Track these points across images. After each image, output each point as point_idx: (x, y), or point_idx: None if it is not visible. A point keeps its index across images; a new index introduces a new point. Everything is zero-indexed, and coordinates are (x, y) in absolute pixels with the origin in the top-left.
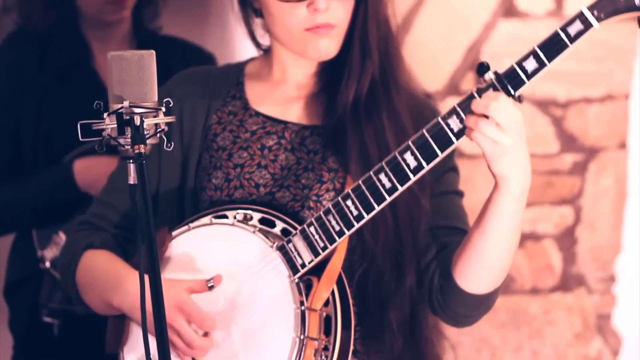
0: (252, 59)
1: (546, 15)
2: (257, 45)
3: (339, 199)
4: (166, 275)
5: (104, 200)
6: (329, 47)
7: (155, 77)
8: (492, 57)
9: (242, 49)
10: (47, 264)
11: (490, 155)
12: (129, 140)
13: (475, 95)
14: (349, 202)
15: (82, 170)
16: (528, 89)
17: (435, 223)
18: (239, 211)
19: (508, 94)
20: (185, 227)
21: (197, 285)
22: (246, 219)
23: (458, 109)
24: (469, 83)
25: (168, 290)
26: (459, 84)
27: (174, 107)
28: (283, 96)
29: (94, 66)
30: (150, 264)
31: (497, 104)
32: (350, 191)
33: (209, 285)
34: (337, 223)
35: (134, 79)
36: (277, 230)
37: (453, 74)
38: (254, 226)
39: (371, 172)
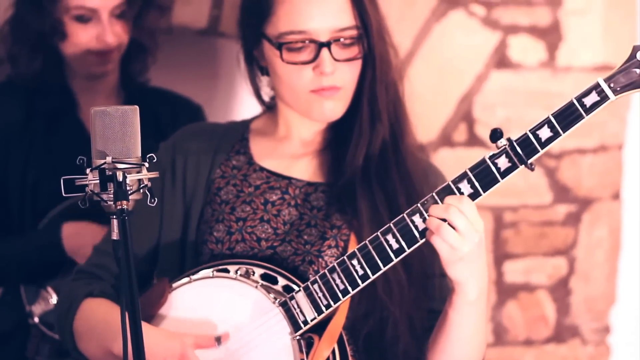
0: (258, 116)
1: (539, 66)
2: (262, 102)
3: (345, 257)
4: (165, 327)
5: (104, 249)
6: (335, 109)
7: (139, 132)
8: (484, 109)
9: (231, 102)
10: (36, 319)
11: (446, 259)
12: (112, 196)
13: (452, 186)
14: (354, 262)
15: (70, 235)
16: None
17: (431, 306)
18: (241, 266)
19: (521, 162)
20: (187, 279)
21: (204, 341)
22: (248, 274)
23: (469, 173)
24: (461, 134)
25: (172, 342)
26: (451, 135)
27: (178, 161)
28: (288, 152)
29: (80, 117)
30: (132, 320)
31: (457, 209)
32: (356, 250)
33: (217, 342)
34: (342, 282)
35: (117, 134)
36: (279, 286)
37: (445, 124)
38: (256, 281)
39: (379, 232)
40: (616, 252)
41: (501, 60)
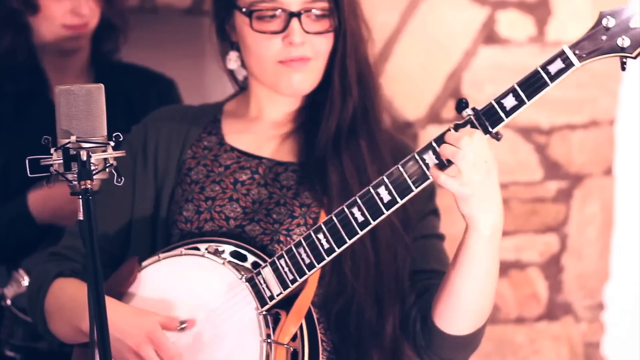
0: (230, 98)
1: (528, 41)
2: (235, 80)
3: (311, 231)
4: (134, 305)
5: (74, 231)
6: (303, 82)
7: (104, 110)
8: (473, 85)
9: (204, 76)
10: (8, 302)
11: (458, 194)
12: (76, 176)
13: (452, 130)
14: (320, 235)
15: (38, 203)
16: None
17: (416, 267)
18: (211, 244)
19: (485, 131)
20: (156, 257)
21: (168, 322)
22: (217, 252)
23: (434, 144)
24: (449, 111)
25: (140, 318)
26: (439, 112)
27: (150, 143)
28: (259, 133)
29: (50, 97)
30: (95, 298)
31: (469, 139)
32: (322, 224)
33: (181, 327)
34: (308, 256)
35: (81, 113)
36: (248, 263)
37: (433, 102)
38: (224, 258)
39: (344, 206)
40: (609, 228)
41: (489, 36)
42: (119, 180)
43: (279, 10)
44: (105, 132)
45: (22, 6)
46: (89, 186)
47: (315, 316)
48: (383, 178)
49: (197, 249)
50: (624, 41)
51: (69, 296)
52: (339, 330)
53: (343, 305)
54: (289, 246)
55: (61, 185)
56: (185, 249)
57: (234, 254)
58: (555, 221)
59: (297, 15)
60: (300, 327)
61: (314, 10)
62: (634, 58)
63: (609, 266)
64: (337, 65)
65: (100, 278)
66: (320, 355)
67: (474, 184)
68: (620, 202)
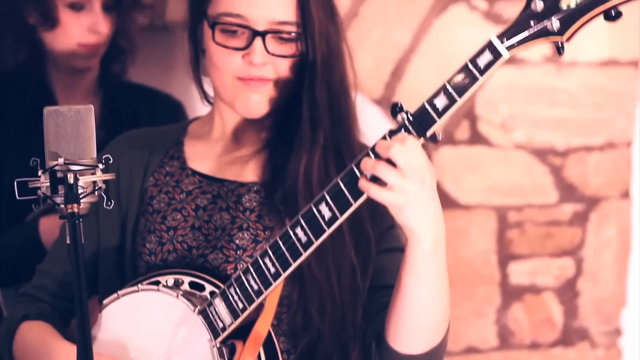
0: (196, 118)
1: (543, 61)
2: (204, 94)
3: (257, 256)
4: (96, 348)
5: (44, 269)
6: (260, 103)
7: (94, 133)
8: (487, 105)
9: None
10: None
11: (391, 205)
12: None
13: (387, 137)
14: (267, 260)
15: (48, 230)
16: (525, 136)
17: (374, 283)
18: (170, 276)
19: (420, 135)
20: (115, 295)
21: None
22: (177, 284)
23: (371, 153)
24: (463, 132)
25: None
26: (453, 133)
27: (112, 171)
28: (222, 154)
29: None
30: (80, 329)
31: (400, 146)
32: (267, 247)
33: None
34: (256, 282)
35: (70, 135)
36: (206, 293)
37: (446, 122)
38: (179, 290)
39: (288, 226)
40: (626, 252)
41: None
42: (109, 203)
43: (244, 27)
44: (94, 155)
45: (40, 20)
46: (76, 210)
47: (278, 345)
48: (324, 193)
49: (158, 282)
50: (553, 24)
51: (33, 340)
52: None
53: (308, 343)
54: (237, 273)
55: None
56: (143, 284)
57: (192, 285)
58: (571, 245)
59: (262, 34)
60: (259, 357)
61: (280, 34)
62: (566, 41)
63: (626, 291)
64: (305, 94)
65: (85, 303)
66: None
67: (408, 194)
68: (637, 225)
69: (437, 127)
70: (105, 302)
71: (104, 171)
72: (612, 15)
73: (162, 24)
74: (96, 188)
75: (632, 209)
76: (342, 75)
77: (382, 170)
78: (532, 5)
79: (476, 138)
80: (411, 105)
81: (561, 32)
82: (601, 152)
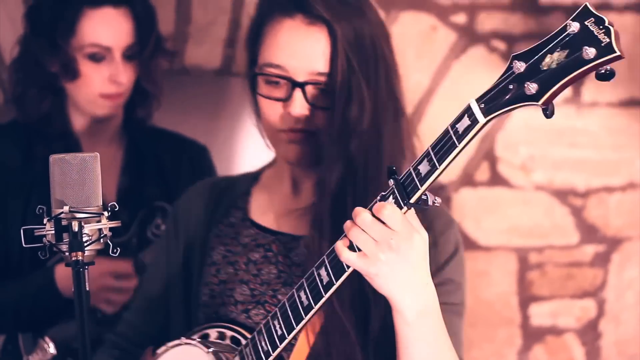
0: (270, 164)
1: (563, 102)
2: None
3: (269, 318)
4: None
5: (125, 317)
6: (301, 153)
7: (99, 180)
8: (507, 147)
9: (234, 137)
10: None
11: (362, 271)
12: None
13: (378, 201)
14: (275, 322)
15: (64, 277)
16: (545, 177)
17: None
18: (214, 330)
19: (404, 201)
20: (164, 347)
21: None
22: (221, 337)
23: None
24: (483, 173)
25: None
26: (472, 175)
27: (180, 221)
28: (281, 204)
29: None
30: None
31: (371, 216)
32: (277, 309)
33: None
34: (266, 344)
35: (75, 182)
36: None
37: (466, 164)
38: (209, 346)
39: (294, 289)
40: None
41: None
42: (115, 251)
43: (284, 77)
44: (100, 202)
45: (61, 71)
46: (80, 258)
47: None
48: (324, 257)
49: (207, 335)
50: (531, 87)
51: None
52: None
53: None
54: (252, 334)
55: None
56: (186, 337)
57: (233, 340)
58: (593, 286)
59: (301, 85)
60: None
61: (319, 84)
62: (542, 106)
63: None
64: (339, 147)
65: (88, 348)
66: None
67: (380, 263)
68: None
69: (422, 193)
70: (158, 351)
71: (109, 218)
72: (605, 75)
73: (181, 67)
74: (102, 236)
75: None
76: (379, 125)
77: (355, 236)
78: (514, 67)
79: (496, 179)
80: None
81: (536, 97)
82: (622, 192)
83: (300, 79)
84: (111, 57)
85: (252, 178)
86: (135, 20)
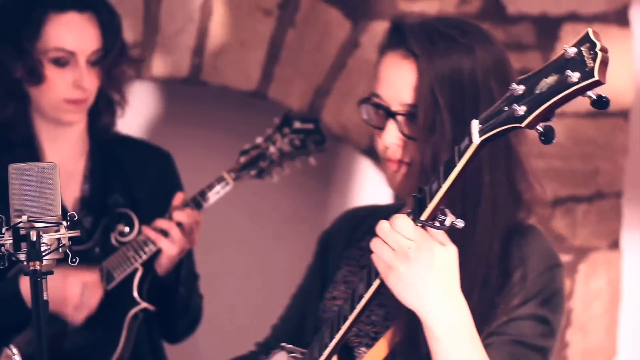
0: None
1: None
2: None
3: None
4: None
5: (274, 325)
6: (399, 182)
7: (59, 189)
8: None
9: (198, 151)
10: None
11: (388, 282)
12: None
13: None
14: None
15: (29, 288)
16: None
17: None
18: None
19: (416, 218)
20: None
21: None
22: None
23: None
24: None
25: None
26: None
27: (326, 243)
28: None
29: None
30: None
31: (390, 226)
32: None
33: None
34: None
35: (34, 192)
36: None
37: None
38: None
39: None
40: (615, 303)
41: None
42: (74, 260)
43: (379, 107)
44: (59, 212)
45: (26, 76)
46: (38, 267)
47: None
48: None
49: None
50: (519, 110)
51: None
52: None
53: None
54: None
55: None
56: (299, 352)
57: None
58: None
59: (392, 115)
60: None
61: (409, 115)
62: (525, 128)
63: (616, 342)
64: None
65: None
66: None
67: (400, 274)
68: (627, 276)
69: (433, 210)
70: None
71: (69, 228)
72: (601, 102)
73: (149, 75)
74: (60, 245)
75: (622, 259)
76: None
77: (375, 245)
78: (513, 89)
79: None
80: None
81: (521, 119)
82: (589, 203)
83: (393, 108)
84: (75, 62)
85: (398, 206)
86: (100, 26)
